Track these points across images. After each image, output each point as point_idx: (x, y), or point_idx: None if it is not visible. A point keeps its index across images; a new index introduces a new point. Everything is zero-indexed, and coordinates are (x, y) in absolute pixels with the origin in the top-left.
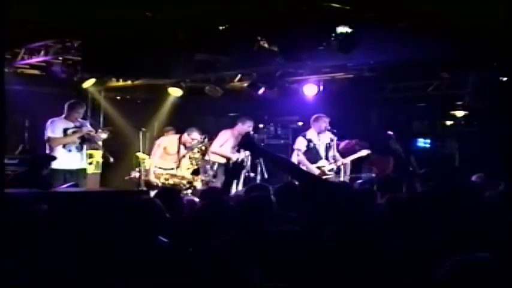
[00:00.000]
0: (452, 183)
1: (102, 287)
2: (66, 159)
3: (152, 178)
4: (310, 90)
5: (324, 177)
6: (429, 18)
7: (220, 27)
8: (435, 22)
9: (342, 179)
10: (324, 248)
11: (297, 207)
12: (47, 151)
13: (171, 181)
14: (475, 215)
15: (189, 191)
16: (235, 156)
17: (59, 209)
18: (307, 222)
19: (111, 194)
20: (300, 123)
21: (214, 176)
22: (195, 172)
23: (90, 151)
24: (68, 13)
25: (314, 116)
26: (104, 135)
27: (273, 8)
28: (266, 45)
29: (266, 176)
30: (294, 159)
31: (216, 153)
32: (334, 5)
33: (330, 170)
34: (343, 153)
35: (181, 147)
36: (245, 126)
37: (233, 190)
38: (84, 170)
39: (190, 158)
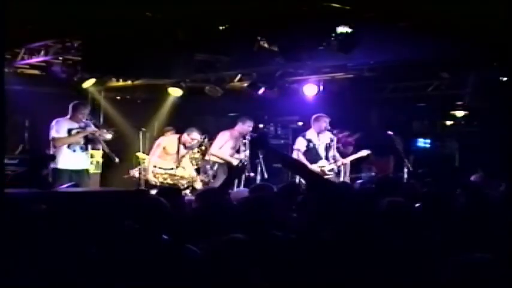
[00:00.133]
0: (452, 183)
1: (108, 286)
2: (71, 159)
3: (151, 177)
4: (310, 90)
5: (324, 177)
6: (429, 18)
7: (220, 27)
8: (435, 22)
9: (342, 179)
10: (324, 248)
11: (298, 208)
12: (51, 151)
13: (169, 181)
14: (475, 215)
15: (188, 191)
16: (235, 161)
17: (61, 209)
18: (307, 223)
19: (115, 194)
20: (300, 123)
21: (214, 176)
22: (195, 172)
23: (90, 151)
24: (68, 13)
25: (314, 116)
26: (109, 136)
27: (273, 8)
28: (266, 45)
29: (266, 176)
30: None
31: (215, 156)
32: (334, 5)
33: (329, 170)
34: (342, 144)
35: (181, 147)
36: (245, 126)
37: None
38: (88, 170)
39: (190, 158)
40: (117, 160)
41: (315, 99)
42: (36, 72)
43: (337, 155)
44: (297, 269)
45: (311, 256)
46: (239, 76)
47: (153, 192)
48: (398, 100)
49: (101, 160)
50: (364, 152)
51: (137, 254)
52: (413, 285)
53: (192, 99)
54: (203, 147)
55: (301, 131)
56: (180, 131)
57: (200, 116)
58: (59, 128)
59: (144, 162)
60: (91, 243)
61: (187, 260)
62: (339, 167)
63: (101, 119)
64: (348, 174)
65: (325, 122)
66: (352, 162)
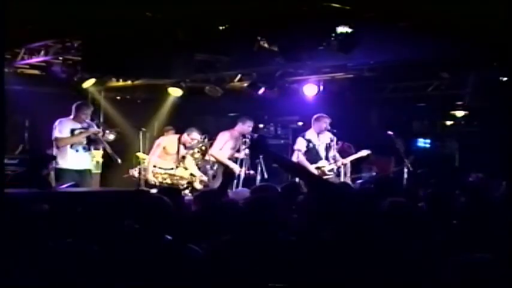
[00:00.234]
0: (452, 183)
1: (109, 286)
2: (73, 159)
3: (150, 177)
4: (310, 90)
5: (324, 177)
6: (429, 18)
7: (220, 27)
8: (435, 22)
9: (342, 179)
10: (323, 248)
11: (298, 208)
12: (54, 151)
13: (168, 181)
14: (475, 215)
15: (187, 191)
16: (233, 165)
17: (61, 209)
18: (307, 223)
19: (116, 194)
20: (300, 123)
21: (214, 176)
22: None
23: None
24: (68, 13)
25: (315, 116)
26: (112, 137)
27: (273, 8)
28: (266, 45)
29: (266, 176)
30: (294, 159)
31: (215, 158)
32: (334, 5)
33: (329, 171)
34: (340, 153)
35: (181, 147)
36: (245, 126)
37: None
38: (90, 170)
39: (193, 158)
40: (119, 161)
41: (315, 99)
42: (36, 72)
43: (337, 155)
44: (297, 269)
45: (311, 256)
46: (239, 76)
47: (153, 192)
48: (398, 100)
49: (101, 160)
50: (364, 152)
51: (140, 253)
52: (413, 285)
53: (192, 99)
54: (203, 147)
55: (301, 131)
56: (180, 131)
57: (200, 116)
58: (62, 128)
59: (144, 162)
60: (92, 243)
61: (189, 260)
62: (339, 167)
63: (101, 119)
64: (348, 174)
65: (325, 122)
66: (352, 162)
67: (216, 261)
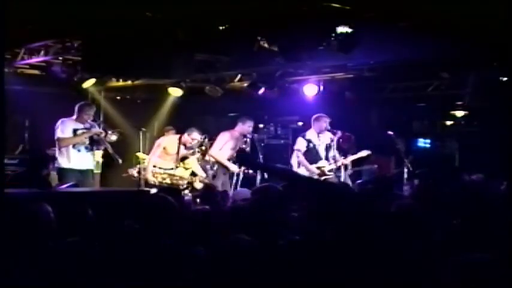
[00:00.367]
0: (452, 183)
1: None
2: (76, 159)
3: (150, 177)
4: (310, 90)
5: (324, 177)
6: (429, 18)
7: (220, 27)
8: (435, 22)
9: (343, 174)
10: (323, 248)
11: (298, 208)
12: (57, 151)
13: (168, 181)
14: (475, 215)
15: (187, 191)
16: (232, 166)
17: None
18: (307, 223)
19: (116, 194)
20: (300, 123)
21: (214, 176)
22: (194, 172)
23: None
24: (68, 13)
25: (315, 116)
26: (114, 137)
27: (273, 8)
28: (266, 45)
29: (266, 175)
30: (294, 160)
31: (214, 158)
32: (334, 5)
33: (329, 171)
34: (342, 142)
35: (181, 147)
36: (245, 126)
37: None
38: (93, 170)
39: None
40: (120, 161)
41: (315, 99)
42: (36, 72)
43: (338, 155)
44: (297, 269)
45: (311, 256)
46: (239, 76)
47: (153, 191)
48: (398, 100)
49: (101, 160)
50: (364, 152)
51: (142, 253)
52: (413, 285)
53: (192, 99)
54: (203, 147)
55: (301, 131)
56: (180, 131)
57: (200, 116)
58: (64, 128)
59: (143, 162)
60: (92, 243)
61: (192, 260)
62: (339, 167)
63: (101, 119)
64: (349, 170)
65: (325, 122)
66: (352, 162)
67: (218, 262)
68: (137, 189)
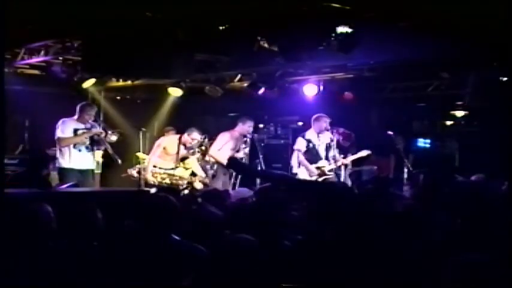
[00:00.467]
0: (452, 183)
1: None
2: (76, 159)
3: (149, 177)
4: (310, 90)
5: (324, 177)
6: (429, 18)
7: (220, 27)
8: (435, 22)
9: (343, 174)
10: (323, 248)
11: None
12: (57, 150)
13: (167, 180)
14: (475, 215)
15: (187, 191)
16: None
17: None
18: (308, 223)
19: (119, 194)
20: (300, 123)
21: (214, 176)
22: (194, 172)
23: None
24: (68, 13)
25: (315, 116)
26: (114, 138)
27: (273, 8)
28: (266, 45)
29: (267, 170)
30: (294, 159)
31: (213, 158)
32: (334, 5)
33: (330, 171)
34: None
35: (181, 147)
36: (245, 127)
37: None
38: (93, 170)
39: (189, 158)
40: (119, 161)
41: (315, 99)
42: (36, 72)
43: (338, 155)
44: (297, 269)
45: (311, 256)
46: (239, 76)
47: (152, 191)
48: (398, 100)
49: (101, 160)
50: (364, 152)
51: (143, 253)
52: (413, 285)
53: (192, 99)
54: (203, 147)
55: (301, 131)
56: (180, 131)
57: (200, 116)
58: (64, 128)
59: (143, 163)
60: (92, 243)
61: (195, 259)
62: (339, 166)
63: (101, 119)
64: (349, 170)
65: (325, 122)
66: (352, 162)
67: (219, 261)
68: (137, 189)
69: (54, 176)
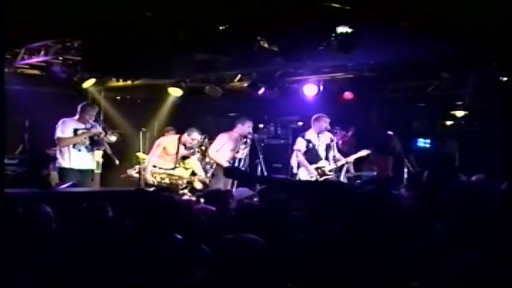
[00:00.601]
0: (452, 183)
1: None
2: (76, 158)
3: (149, 177)
4: (310, 90)
5: (324, 177)
6: (429, 18)
7: (220, 27)
8: (435, 22)
9: (342, 177)
10: (323, 248)
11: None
12: (57, 151)
13: (167, 180)
14: (475, 215)
15: (187, 190)
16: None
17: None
18: (308, 222)
19: (119, 194)
20: (300, 123)
21: (214, 175)
22: (194, 172)
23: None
24: (68, 13)
25: (315, 116)
26: (113, 138)
27: (273, 8)
28: (266, 45)
29: (266, 175)
30: (294, 160)
31: (212, 159)
32: (334, 5)
33: (330, 171)
34: (347, 146)
35: (181, 147)
36: (245, 127)
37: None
38: (93, 170)
39: (189, 157)
40: (117, 162)
41: (315, 99)
42: (36, 72)
43: (338, 155)
44: (297, 269)
45: (311, 256)
46: (239, 76)
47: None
48: (398, 100)
49: (101, 160)
50: (364, 152)
51: (143, 253)
52: (413, 285)
53: (192, 99)
54: (203, 147)
55: (301, 131)
56: (180, 131)
57: (200, 116)
58: (64, 128)
59: (143, 162)
60: (92, 243)
61: (199, 259)
62: (341, 166)
63: (101, 119)
64: (351, 171)
65: (325, 122)
66: (352, 164)
67: (225, 261)
68: (135, 189)
69: (54, 176)
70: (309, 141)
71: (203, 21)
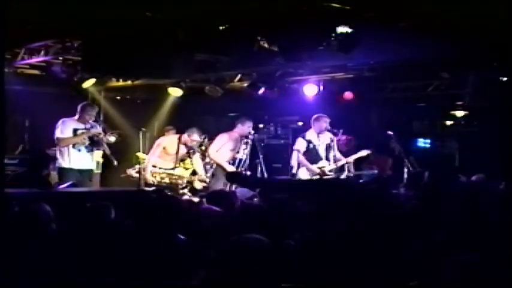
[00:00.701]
0: (452, 183)
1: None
2: (76, 158)
3: (148, 176)
4: (310, 90)
5: (324, 177)
6: (429, 18)
7: (220, 27)
8: (435, 22)
9: (342, 177)
10: (323, 248)
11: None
12: (57, 151)
13: (167, 180)
14: (475, 215)
15: (186, 190)
16: (229, 167)
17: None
18: (308, 222)
19: (119, 194)
20: (300, 123)
21: (213, 176)
22: (194, 172)
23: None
24: (68, 13)
25: (315, 116)
26: (112, 139)
27: (273, 8)
28: (266, 45)
29: (266, 175)
30: (294, 160)
31: (211, 159)
32: (334, 5)
33: (330, 171)
34: (344, 149)
35: (181, 147)
36: (245, 127)
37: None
38: (93, 170)
39: (190, 157)
40: (115, 163)
41: (315, 99)
42: (36, 72)
43: (338, 154)
44: (297, 269)
45: (311, 256)
46: (239, 76)
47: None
48: (398, 100)
49: (101, 160)
50: (364, 152)
51: (144, 253)
52: (413, 285)
53: (192, 99)
54: (203, 147)
55: (301, 131)
56: (180, 131)
57: (200, 116)
58: (64, 128)
59: (143, 162)
60: (93, 243)
61: (202, 260)
62: (342, 166)
63: (101, 119)
64: (352, 171)
65: (325, 122)
66: (352, 164)
67: (229, 261)
68: (135, 190)
69: (54, 176)
70: (309, 142)
71: (203, 21)
